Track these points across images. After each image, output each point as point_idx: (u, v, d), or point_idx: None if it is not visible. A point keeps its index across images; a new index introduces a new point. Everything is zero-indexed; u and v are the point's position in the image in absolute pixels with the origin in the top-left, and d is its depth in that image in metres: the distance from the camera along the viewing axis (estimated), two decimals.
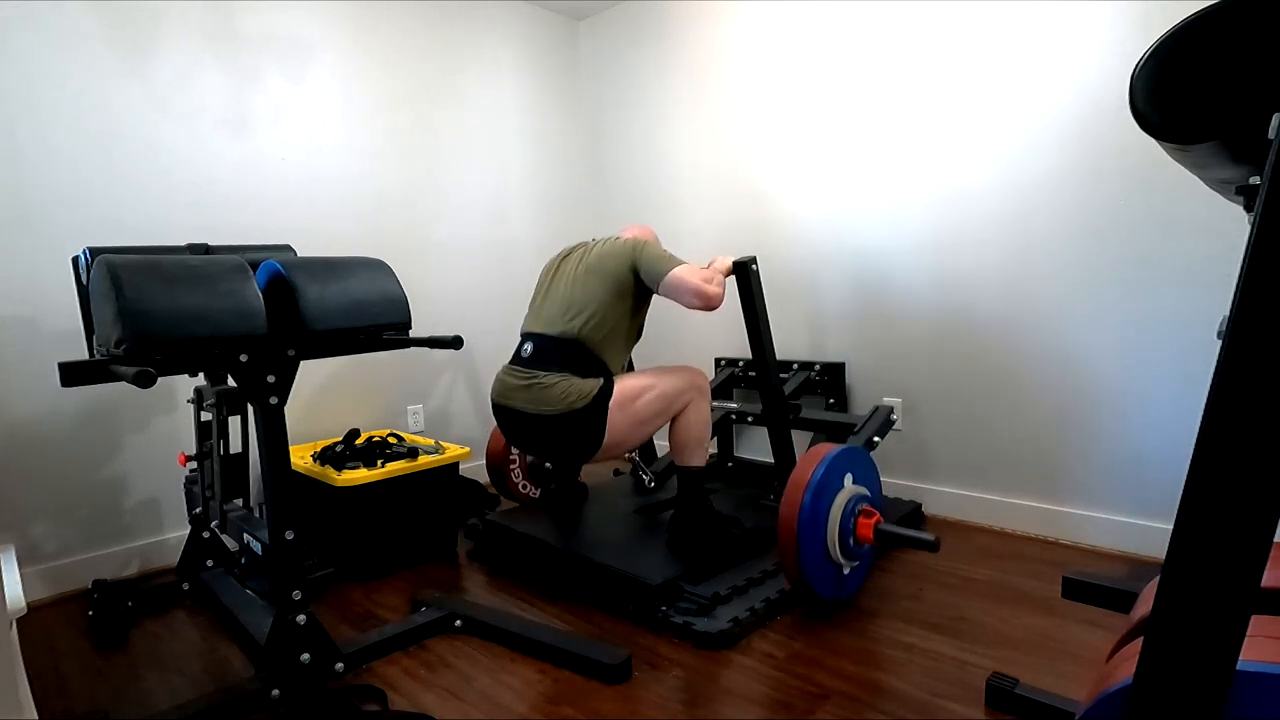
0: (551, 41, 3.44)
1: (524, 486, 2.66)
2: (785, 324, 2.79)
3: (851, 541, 1.75)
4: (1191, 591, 0.65)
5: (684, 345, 3.27)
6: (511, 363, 2.03)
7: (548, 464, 2.63)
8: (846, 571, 1.80)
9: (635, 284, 1.96)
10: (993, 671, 1.44)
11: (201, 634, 1.85)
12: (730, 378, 2.89)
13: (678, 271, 1.90)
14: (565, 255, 2.13)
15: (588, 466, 3.29)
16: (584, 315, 1.93)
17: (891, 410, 2.34)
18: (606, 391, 1.86)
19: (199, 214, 2.33)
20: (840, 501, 1.75)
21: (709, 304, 1.89)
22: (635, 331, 2.07)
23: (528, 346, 1.99)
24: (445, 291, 3.04)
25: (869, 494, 1.84)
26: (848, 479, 1.80)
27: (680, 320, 3.27)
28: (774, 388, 2.21)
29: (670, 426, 2.02)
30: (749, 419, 2.57)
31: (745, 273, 2.16)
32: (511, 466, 2.62)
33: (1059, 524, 2.23)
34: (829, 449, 1.79)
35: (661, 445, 2.61)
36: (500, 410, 2.00)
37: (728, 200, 3.02)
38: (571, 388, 1.86)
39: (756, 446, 2.96)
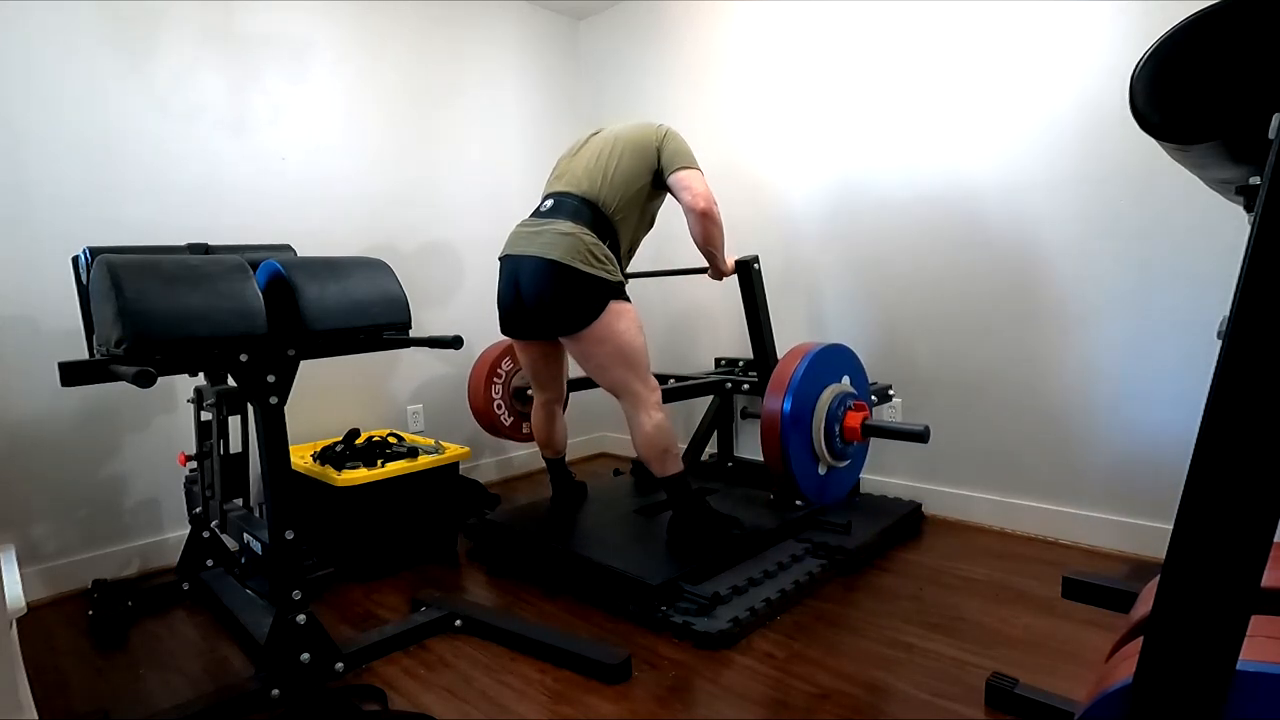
0: (551, 41, 3.44)
1: (507, 419, 2.65)
2: (785, 323, 2.79)
3: (839, 433, 1.72)
4: (1191, 591, 0.65)
5: (684, 344, 3.27)
6: (528, 217, 2.03)
7: (528, 395, 2.60)
8: (822, 471, 1.75)
9: (657, 164, 2.00)
10: (993, 671, 1.44)
11: (201, 634, 1.85)
12: (729, 376, 2.88)
13: (695, 174, 1.96)
14: (593, 133, 2.14)
15: (587, 466, 3.29)
16: (607, 179, 1.95)
17: (890, 387, 2.33)
18: (617, 289, 1.90)
19: (199, 214, 2.33)
20: (829, 395, 1.71)
21: (709, 214, 1.95)
22: (649, 218, 2.10)
23: (548, 203, 2.01)
24: (445, 291, 3.04)
25: (857, 393, 1.81)
26: (845, 380, 1.77)
27: (680, 320, 3.27)
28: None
29: (634, 443, 1.99)
30: (745, 386, 2.54)
31: (747, 271, 2.17)
32: (494, 396, 2.62)
33: (1059, 524, 2.23)
34: (815, 344, 1.76)
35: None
36: (504, 264, 2.01)
37: (727, 198, 2.99)
38: (585, 241, 1.86)
39: (756, 447, 2.96)
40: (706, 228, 2.01)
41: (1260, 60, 0.67)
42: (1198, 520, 0.64)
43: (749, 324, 2.23)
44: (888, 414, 2.57)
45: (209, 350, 1.34)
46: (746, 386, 2.53)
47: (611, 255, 1.93)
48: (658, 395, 1.99)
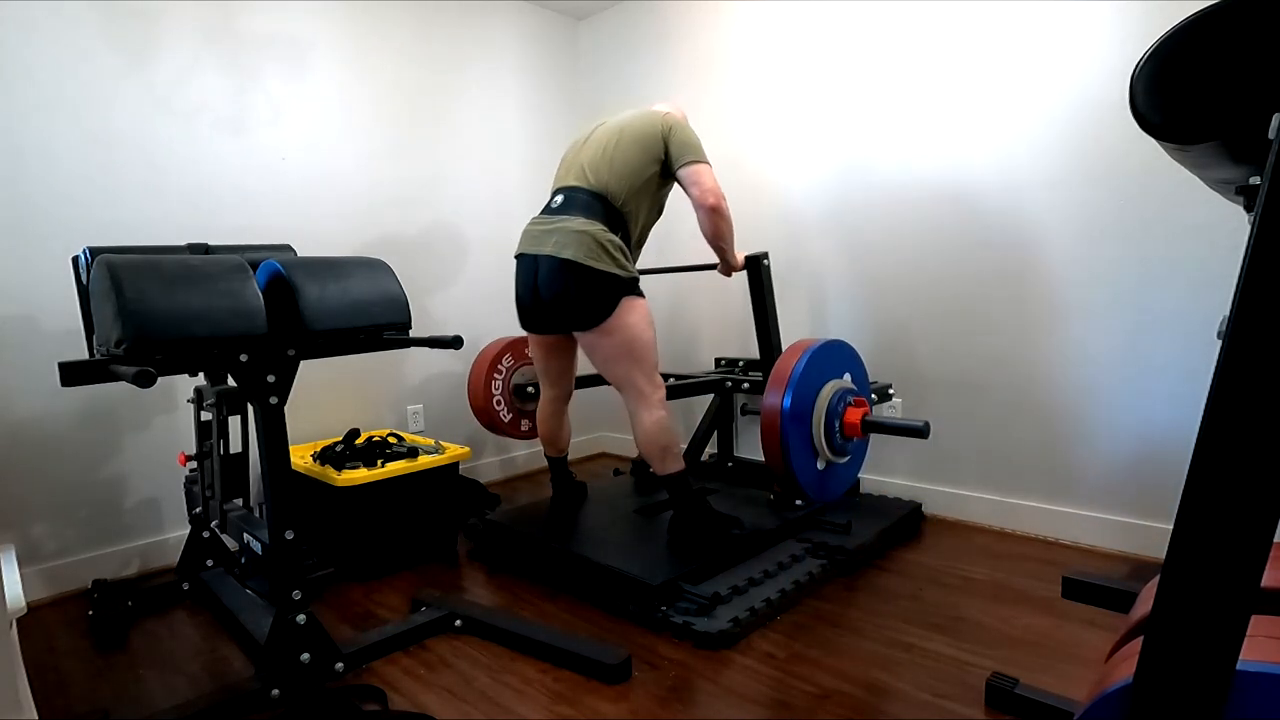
0: (551, 41, 3.44)
1: (506, 415, 2.68)
2: (785, 322, 2.78)
3: (838, 429, 1.72)
4: (1191, 591, 0.65)
5: (684, 344, 3.27)
6: (539, 214, 2.06)
7: (527, 392, 2.64)
8: (821, 466, 1.75)
9: (664, 154, 2.01)
10: (993, 671, 1.44)
11: (201, 634, 1.85)
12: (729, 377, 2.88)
13: (704, 168, 1.98)
14: (598, 125, 2.15)
15: (587, 466, 3.29)
16: (615, 170, 1.97)
17: (890, 386, 2.33)
18: (631, 285, 1.93)
19: (199, 214, 2.33)
20: (829, 390, 1.71)
21: (718, 209, 1.98)
22: (658, 206, 2.12)
23: (558, 198, 2.03)
24: (445, 291, 3.04)
25: (857, 389, 1.81)
26: (846, 376, 1.78)
27: (681, 320, 3.27)
28: None
29: (636, 438, 2.02)
30: (745, 385, 2.54)
31: (757, 267, 2.19)
32: (494, 392, 2.64)
33: (1059, 524, 2.23)
34: (816, 340, 1.76)
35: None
36: (520, 262, 2.03)
37: (729, 198, 3.01)
38: (598, 239, 1.88)
39: (756, 446, 2.96)
40: (716, 223, 2.04)
41: (1260, 60, 0.67)
42: (1198, 520, 0.64)
43: (756, 320, 2.24)
44: (887, 413, 2.57)
45: (209, 350, 1.34)
46: (747, 386, 2.53)
47: (625, 248, 1.95)
48: (661, 393, 2.00)
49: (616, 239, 1.92)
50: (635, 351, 1.95)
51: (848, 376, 1.77)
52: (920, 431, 1.63)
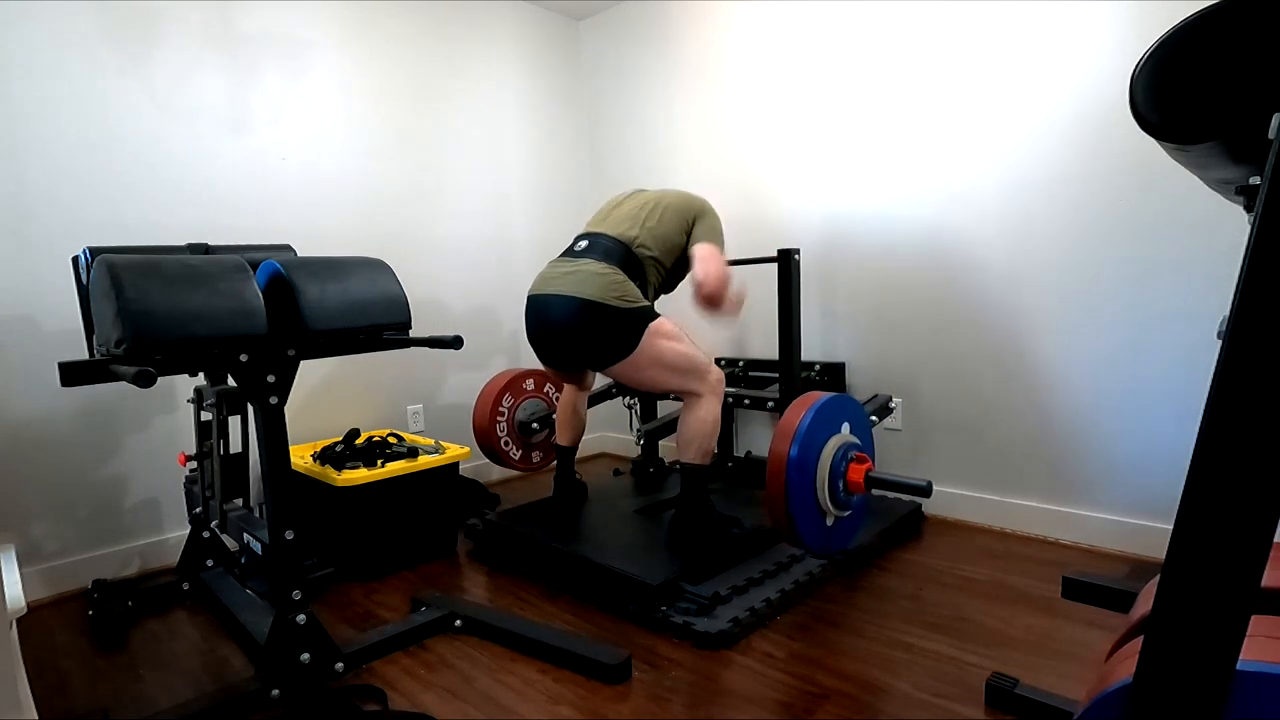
0: (551, 41, 3.44)
1: (516, 453, 2.70)
2: None
3: (841, 487, 1.72)
4: (1191, 591, 0.65)
5: None
6: (559, 256, 2.08)
7: (532, 428, 2.65)
8: (830, 522, 1.75)
9: (691, 232, 2.09)
10: (993, 671, 1.44)
11: (201, 634, 1.85)
12: (728, 377, 2.89)
13: (714, 246, 2.03)
14: (634, 190, 2.22)
15: (587, 466, 3.29)
16: (646, 229, 2.03)
17: (890, 399, 2.34)
18: (651, 314, 1.95)
19: (199, 214, 2.33)
20: (832, 446, 1.71)
21: (713, 286, 1.97)
22: (674, 272, 2.16)
23: (582, 242, 2.06)
24: (445, 291, 3.04)
25: (860, 443, 1.81)
26: (845, 427, 1.78)
27: (683, 319, 3.27)
28: (795, 375, 2.26)
29: (679, 421, 2.03)
30: (745, 401, 2.56)
31: (787, 262, 2.21)
32: (499, 434, 2.65)
33: (1059, 524, 2.23)
34: (821, 394, 1.77)
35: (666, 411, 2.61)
36: (534, 303, 2.03)
37: (727, 200, 3.00)
38: (617, 280, 1.91)
39: (757, 447, 2.96)
40: (707, 307, 2.03)
41: (1260, 60, 0.67)
42: (1198, 520, 0.64)
43: (780, 314, 2.25)
44: (888, 421, 2.56)
45: (209, 350, 1.34)
46: (747, 402, 2.54)
47: (640, 293, 1.97)
48: (720, 386, 2.02)
49: (634, 284, 1.95)
50: (678, 365, 1.97)
51: (846, 427, 1.78)
52: (923, 490, 1.64)
